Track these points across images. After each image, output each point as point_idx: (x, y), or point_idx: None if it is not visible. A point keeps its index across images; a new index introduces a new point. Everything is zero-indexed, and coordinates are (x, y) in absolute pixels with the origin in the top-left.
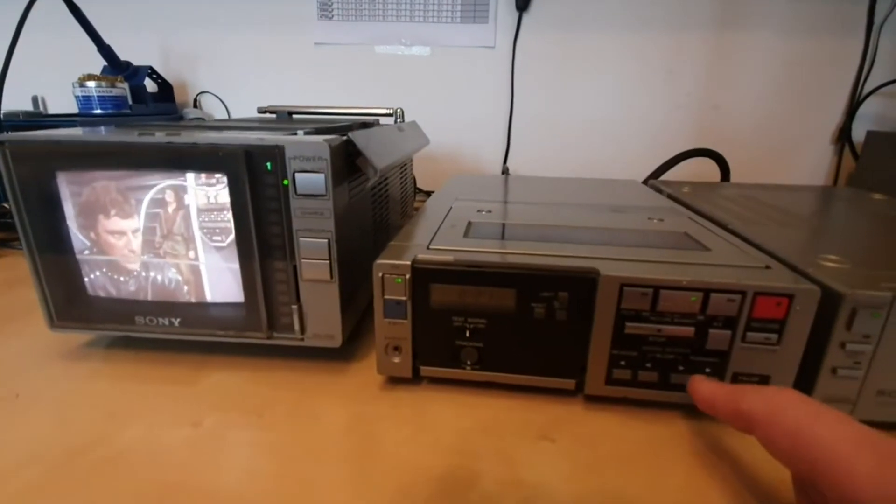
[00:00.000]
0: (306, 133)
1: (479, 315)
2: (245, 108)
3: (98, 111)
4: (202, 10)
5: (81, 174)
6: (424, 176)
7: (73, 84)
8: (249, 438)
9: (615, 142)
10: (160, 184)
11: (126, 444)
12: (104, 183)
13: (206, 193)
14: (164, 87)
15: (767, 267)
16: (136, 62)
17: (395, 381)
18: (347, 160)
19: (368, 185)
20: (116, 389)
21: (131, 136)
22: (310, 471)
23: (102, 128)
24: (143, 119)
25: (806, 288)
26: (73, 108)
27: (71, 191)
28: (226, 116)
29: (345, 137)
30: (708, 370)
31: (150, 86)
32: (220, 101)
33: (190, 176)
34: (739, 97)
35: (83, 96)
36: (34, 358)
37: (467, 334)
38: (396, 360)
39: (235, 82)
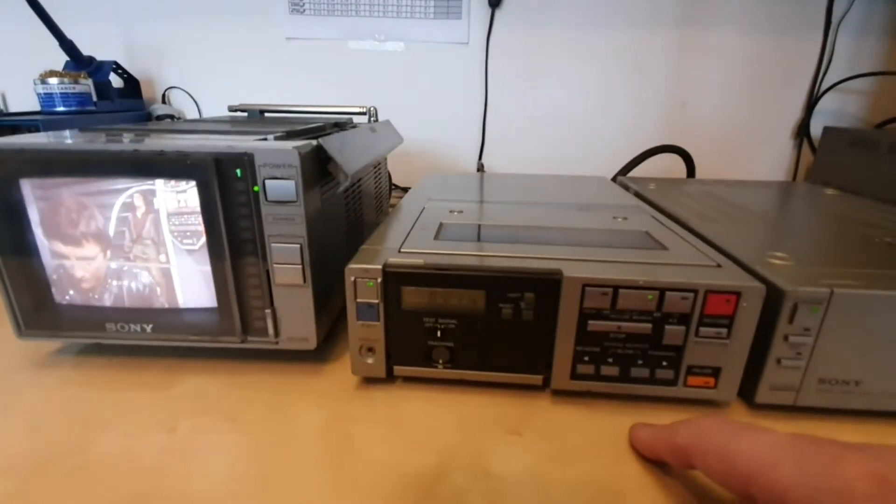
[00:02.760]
0: (277, 137)
1: (449, 316)
2: (216, 104)
3: (61, 108)
4: (168, 2)
5: (46, 181)
6: (401, 172)
7: (34, 81)
8: (225, 443)
9: (588, 137)
10: (128, 189)
11: (100, 451)
12: (70, 189)
13: (176, 198)
14: (131, 82)
15: (719, 266)
16: (99, 56)
17: (369, 380)
18: (318, 165)
19: (340, 190)
20: (89, 397)
21: (97, 144)
22: (285, 473)
23: (68, 131)
24: (108, 116)
25: (752, 286)
26: (35, 105)
27: (35, 197)
28: (196, 112)
29: (315, 143)
30: (665, 363)
31: (116, 81)
32: (190, 96)
33: (159, 181)
34: (705, 94)
35: (45, 93)
36: (2, 367)
37: (438, 334)
38: (370, 360)
39: (205, 77)
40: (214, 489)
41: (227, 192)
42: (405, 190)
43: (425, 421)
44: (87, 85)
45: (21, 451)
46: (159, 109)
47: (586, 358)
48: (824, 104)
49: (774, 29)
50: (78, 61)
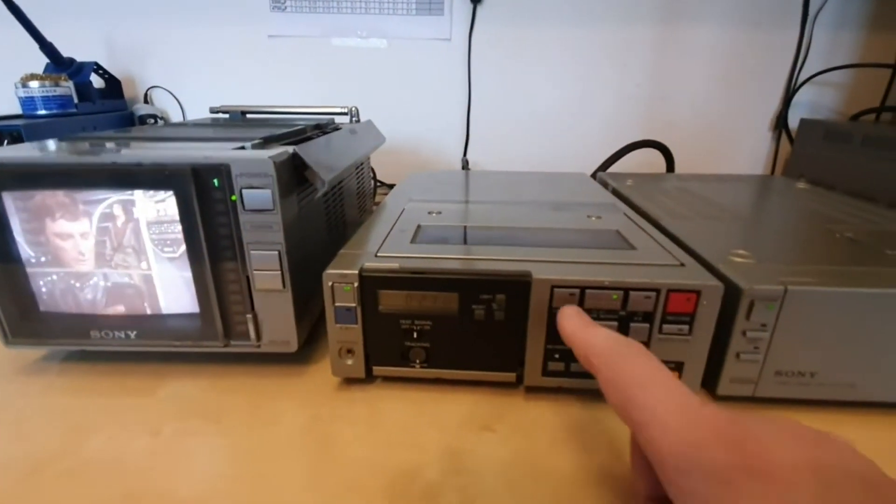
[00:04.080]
0: (254, 145)
1: (424, 317)
2: (198, 102)
3: (43, 112)
4: (147, 2)
5: (27, 193)
6: (387, 168)
7: (15, 85)
8: (209, 444)
9: (570, 132)
10: (108, 199)
11: (88, 455)
12: (51, 200)
13: (155, 207)
14: (112, 82)
15: (682, 265)
16: (79, 56)
17: (350, 381)
18: (295, 172)
19: (318, 196)
20: (75, 402)
21: (76, 156)
22: (269, 472)
23: (50, 141)
24: (90, 118)
25: (711, 285)
26: (15, 108)
27: (17, 208)
28: (179, 111)
29: (291, 151)
30: None
31: (97, 81)
32: (173, 95)
33: (138, 192)
34: (686, 88)
35: (26, 97)
36: None
37: (415, 335)
38: (350, 362)
39: (187, 75)
40: (200, 489)
41: (205, 201)
42: (391, 186)
43: (403, 419)
44: (67, 87)
45: (12, 456)
46: (142, 109)
47: (557, 356)
48: (802, 96)
49: (752, 23)
50: (58, 63)
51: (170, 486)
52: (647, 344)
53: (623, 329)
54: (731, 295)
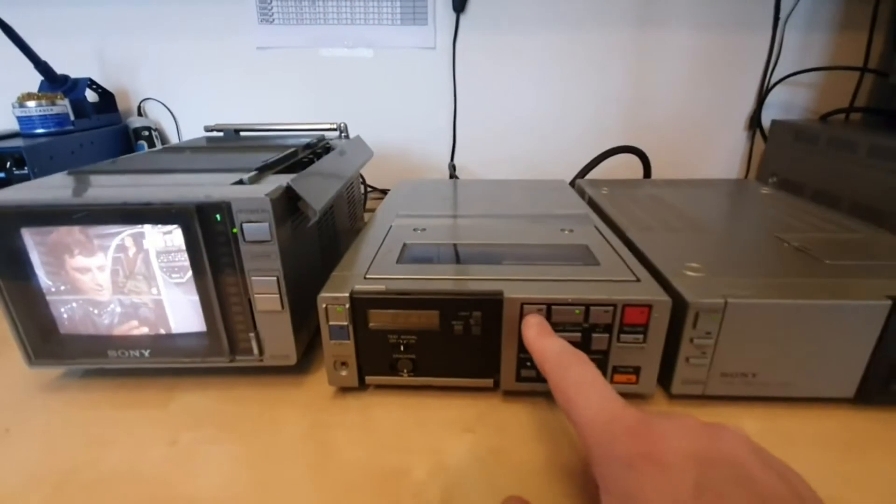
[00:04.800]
0: (251, 178)
1: (410, 332)
2: (191, 113)
3: (40, 130)
4: (137, 16)
5: (45, 229)
6: (377, 174)
7: (12, 105)
8: (221, 451)
9: (554, 135)
10: (120, 233)
11: (112, 465)
12: (67, 235)
13: (163, 238)
14: (105, 96)
15: (638, 280)
16: (70, 71)
17: (345, 389)
18: (289, 202)
19: (309, 225)
20: (96, 416)
21: (89, 197)
22: (275, 474)
23: (59, 177)
24: (87, 134)
25: (661, 300)
26: (10, 121)
27: (35, 243)
28: (171, 121)
29: (286, 185)
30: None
31: (91, 95)
32: (165, 107)
33: (147, 226)
34: (665, 90)
35: (24, 116)
36: (15, 393)
37: (402, 348)
38: (344, 373)
39: (179, 87)
40: (216, 491)
41: (209, 233)
42: (382, 191)
43: (393, 423)
44: (63, 105)
45: (46, 467)
46: (136, 122)
47: (528, 363)
48: (775, 96)
49: (726, 25)
50: (53, 81)
51: (189, 489)
52: (607, 352)
53: (585, 339)
54: (681, 307)
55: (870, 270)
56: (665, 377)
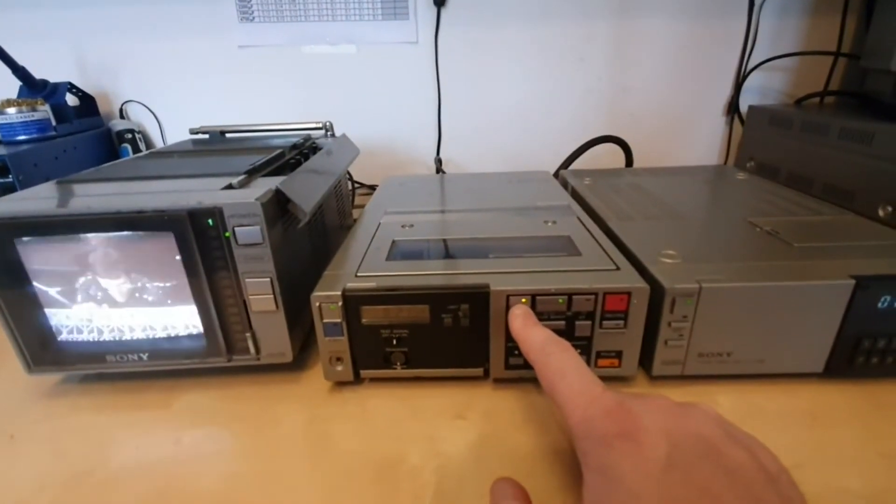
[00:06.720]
0: (240, 182)
1: (401, 327)
2: (174, 114)
3: (22, 137)
4: (115, 17)
5: (39, 239)
6: (364, 170)
7: None
8: (224, 447)
9: (537, 126)
10: (115, 238)
11: (119, 465)
12: (61, 244)
13: None
14: (86, 99)
15: (618, 268)
16: (49, 75)
17: (341, 383)
18: (279, 205)
19: (300, 226)
20: (99, 419)
21: (82, 206)
22: (277, 466)
23: (47, 187)
24: (69, 139)
25: (639, 287)
26: None
27: (30, 251)
28: (154, 123)
29: (275, 188)
30: (578, 351)
31: (71, 100)
32: (149, 109)
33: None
34: (645, 79)
35: (5, 124)
36: (17, 400)
37: (394, 342)
38: (339, 368)
39: (161, 88)
40: (222, 484)
41: (202, 238)
42: (369, 187)
43: (388, 414)
44: (44, 111)
45: (54, 471)
46: (119, 125)
47: (516, 352)
48: (752, 81)
49: (703, 13)
50: (32, 86)
51: (198, 485)
52: (590, 338)
53: (569, 326)
54: (658, 293)
55: (835, 252)
56: (646, 360)
